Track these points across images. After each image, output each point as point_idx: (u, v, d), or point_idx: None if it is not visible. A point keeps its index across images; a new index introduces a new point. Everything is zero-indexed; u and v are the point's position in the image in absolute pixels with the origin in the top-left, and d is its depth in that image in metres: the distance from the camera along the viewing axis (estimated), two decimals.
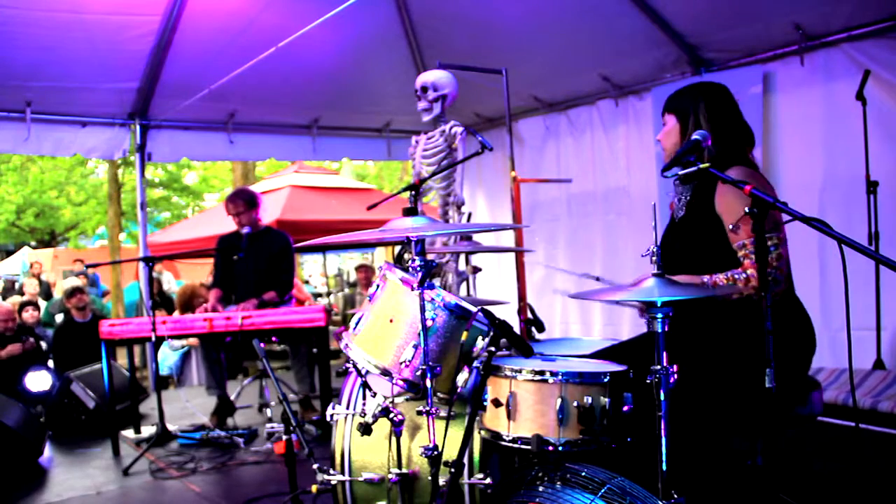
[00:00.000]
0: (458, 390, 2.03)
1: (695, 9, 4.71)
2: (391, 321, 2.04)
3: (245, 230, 4.69)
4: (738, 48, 4.84)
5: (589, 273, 4.47)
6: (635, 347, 2.38)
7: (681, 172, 1.99)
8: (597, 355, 2.36)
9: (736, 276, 2.11)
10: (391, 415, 2.09)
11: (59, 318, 7.03)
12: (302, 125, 6.65)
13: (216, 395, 4.68)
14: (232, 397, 4.88)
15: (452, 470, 1.91)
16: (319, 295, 13.18)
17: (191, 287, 7.29)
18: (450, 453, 2.07)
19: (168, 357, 6.92)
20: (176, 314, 6.58)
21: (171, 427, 4.50)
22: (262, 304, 4.60)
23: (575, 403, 1.91)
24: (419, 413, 2.03)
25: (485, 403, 2.04)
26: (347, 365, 2.18)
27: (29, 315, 6.57)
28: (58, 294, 7.95)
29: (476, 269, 3.89)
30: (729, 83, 2.45)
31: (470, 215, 3.85)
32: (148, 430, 4.61)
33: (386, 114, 6.86)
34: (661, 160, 2.49)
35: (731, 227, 2.15)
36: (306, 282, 15.49)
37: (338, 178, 11.71)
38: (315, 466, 2.41)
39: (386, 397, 2.16)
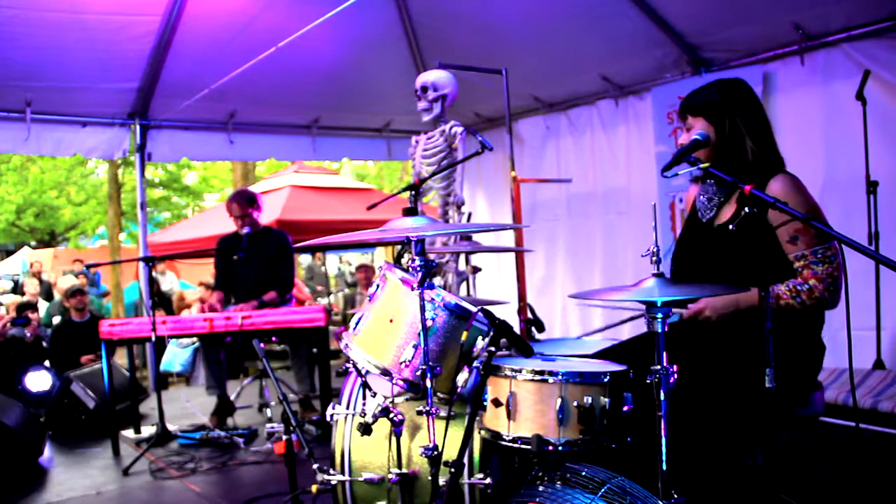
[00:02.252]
0: (458, 390, 2.03)
1: (695, 9, 4.71)
2: (391, 321, 2.03)
3: (245, 230, 4.69)
4: (738, 48, 4.84)
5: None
6: (635, 347, 2.37)
7: (680, 171, 1.99)
8: (597, 355, 2.36)
9: (799, 288, 2.05)
10: (391, 415, 2.09)
11: (56, 319, 7.02)
12: (302, 125, 6.65)
13: (216, 395, 4.68)
14: (232, 397, 4.88)
15: (452, 470, 1.91)
16: (319, 295, 13.18)
17: (180, 293, 7.40)
18: (450, 453, 2.07)
19: (178, 355, 6.92)
20: (185, 313, 6.61)
21: (171, 427, 4.50)
22: (263, 304, 4.60)
23: (575, 403, 1.91)
24: (419, 413, 2.03)
25: (485, 403, 2.03)
26: (347, 365, 2.18)
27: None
28: (57, 294, 7.94)
29: (476, 269, 3.89)
30: None
31: (470, 215, 3.85)
32: (148, 430, 4.61)
33: (386, 114, 6.86)
34: (662, 160, 2.47)
35: (788, 238, 2.09)
36: (309, 280, 15.47)
37: (338, 178, 11.72)
38: (315, 466, 2.41)
39: (386, 397, 2.16)
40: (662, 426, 1.74)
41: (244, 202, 4.78)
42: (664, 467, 1.74)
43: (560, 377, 1.93)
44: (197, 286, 8.04)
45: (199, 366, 6.94)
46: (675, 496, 1.74)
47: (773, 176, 2.14)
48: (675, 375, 1.76)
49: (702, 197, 2.36)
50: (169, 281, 10.83)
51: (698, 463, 2.03)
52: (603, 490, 1.73)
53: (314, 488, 2.37)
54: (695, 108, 2.25)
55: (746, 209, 1.73)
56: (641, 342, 2.37)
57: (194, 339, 6.67)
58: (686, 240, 2.40)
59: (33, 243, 20.01)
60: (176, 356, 6.91)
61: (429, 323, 1.97)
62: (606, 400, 1.94)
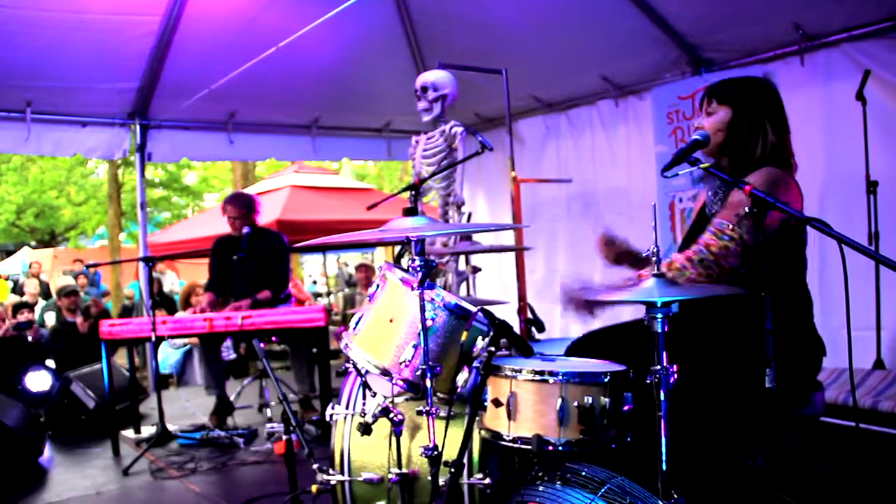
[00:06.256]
0: (458, 390, 2.03)
1: (695, 9, 4.71)
2: (391, 321, 2.03)
3: (245, 230, 4.68)
4: (738, 48, 4.84)
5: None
6: (627, 331, 2.38)
7: (680, 171, 1.99)
8: (585, 339, 2.37)
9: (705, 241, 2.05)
10: (391, 415, 2.09)
11: (50, 319, 6.98)
12: (302, 125, 6.65)
13: (216, 394, 4.68)
14: (232, 397, 4.88)
15: (452, 470, 1.91)
16: (319, 295, 13.18)
17: (191, 285, 7.31)
18: (450, 453, 2.07)
19: (170, 356, 6.91)
20: (181, 313, 6.58)
21: (171, 427, 4.49)
22: (256, 303, 4.58)
23: (575, 403, 1.91)
24: (419, 413, 2.03)
25: (485, 403, 2.03)
26: (347, 365, 2.18)
27: (24, 318, 6.55)
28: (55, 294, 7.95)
29: (476, 269, 3.89)
30: None
31: (470, 215, 3.85)
32: (148, 430, 4.60)
33: (386, 114, 6.86)
34: (661, 160, 2.46)
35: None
36: (314, 282, 15.48)
37: (338, 178, 11.72)
38: (315, 466, 2.41)
39: (386, 397, 2.16)
40: (662, 426, 1.74)
41: (240, 205, 4.74)
42: (664, 467, 1.74)
43: (560, 377, 1.93)
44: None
45: (189, 369, 6.93)
46: (675, 496, 1.74)
47: (759, 168, 2.11)
48: (675, 375, 1.76)
49: (709, 192, 2.36)
50: (169, 282, 10.83)
51: (698, 463, 2.03)
52: (603, 490, 1.73)
53: (314, 488, 2.37)
54: (725, 96, 2.22)
55: (746, 209, 1.72)
56: (633, 326, 2.37)
57: (186, 341, 6.67)
58: (693, 234, 2.40)
59: (33, 243, 20.00)
60: (167, 357, 6.89)
61: (429, 323, 1.97)
62: (607, 400, 1.94)
